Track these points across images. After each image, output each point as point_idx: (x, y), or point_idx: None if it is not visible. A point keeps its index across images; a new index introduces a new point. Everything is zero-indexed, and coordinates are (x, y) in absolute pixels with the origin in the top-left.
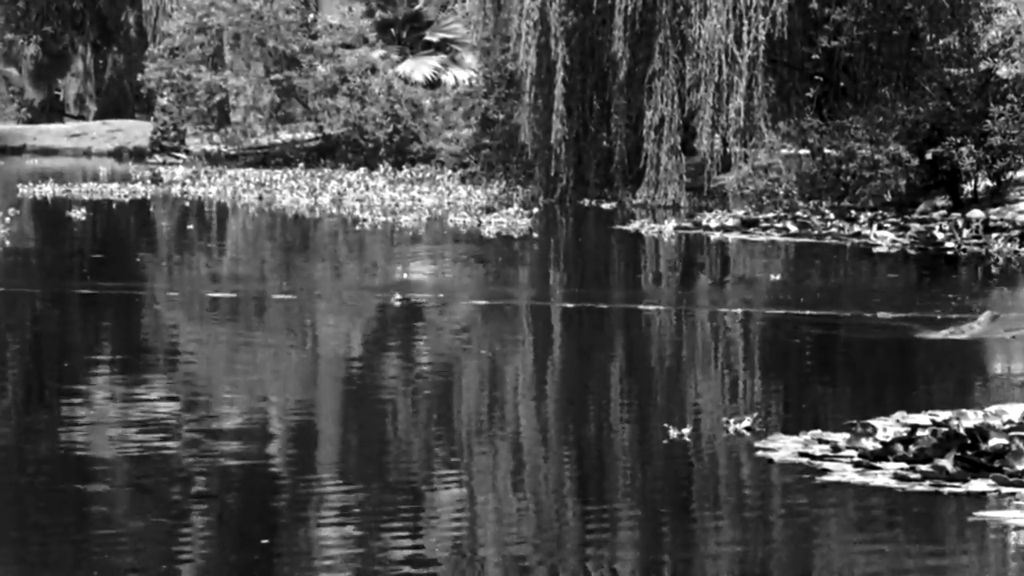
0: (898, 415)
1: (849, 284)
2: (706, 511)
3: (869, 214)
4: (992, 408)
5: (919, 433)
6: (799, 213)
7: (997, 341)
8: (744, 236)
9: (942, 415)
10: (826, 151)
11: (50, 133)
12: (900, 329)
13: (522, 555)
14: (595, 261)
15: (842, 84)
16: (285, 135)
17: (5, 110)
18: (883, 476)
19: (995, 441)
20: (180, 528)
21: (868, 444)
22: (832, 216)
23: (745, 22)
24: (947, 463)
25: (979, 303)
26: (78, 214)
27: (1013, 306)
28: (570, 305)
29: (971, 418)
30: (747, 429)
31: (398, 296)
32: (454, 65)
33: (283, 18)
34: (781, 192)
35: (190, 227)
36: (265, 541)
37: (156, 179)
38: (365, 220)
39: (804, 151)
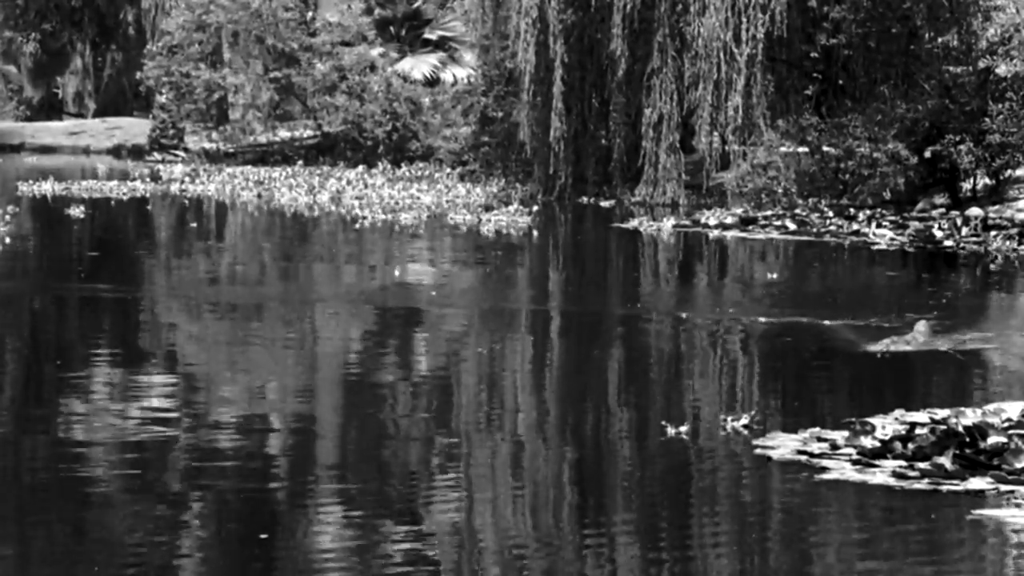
0: (897, 413)
1: (834, 285)
2: (704, 508)
3: (868, 212)
4: (991, 406)
5: (918, 431)
6: (798, 211)
7: (936, 355)
8: (743, 234)
9: (941, 413)
10: (825, 149)
11: (49, 131)
12: (844, 339)
13: (520, 551)
14: (594, 261)
15: (841, 82)
16: (284, 133)
17: (4, 108)
18: (882, 474)
19: (994, 439)
20: (179, 527)
21: (867, 442)
22: (831, 214)
23: (744, 20)
24: (946, 461)
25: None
26: (77, 212)
27: (948, 310)
28: (570, 310)
29: (970, 416)
30: (744, 427)
31: (397, 285)
32: (453, 63)
33: (282, 16)
34: (780, 190)
35: (193, 225)
36: (264, 536)
37: (155, 177)
38: (365, 218)
39: (803, 149)
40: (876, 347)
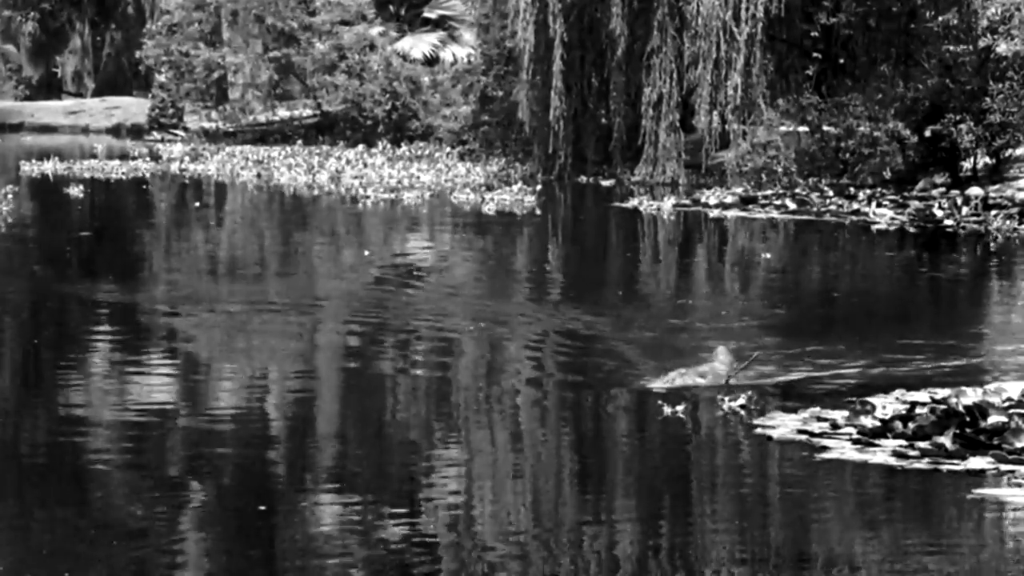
0: (897, 392)
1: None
2: (705, 487)
3: (868, 191)
4: (992, 386)
5: (918, 410)
6: (798, 190)
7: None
8: (743, 213)
9: (941, 393)
10: (825, 128)
11: (48, 110)
12: (629, 373)
13: (519, 532)
14: (596, 244)
15: (841, 61)
16: (283, 112)
17: (3, 87)
18: (882, 453)
19: (994, 418)
20: (177, 520)
21: (867, 421)
22: (831, 193)
23: None
24: (946, 440)
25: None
26: (76, 191)
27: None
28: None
29: (970, 395)
30: (741, 407)
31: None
32: (452, 42)
33: None
34: (780, 169)
35: (196, 204)
36: (262, 508)
37: (155, 156)
38: (367, 198)
39: (803, 128)
40: (659, 383)
